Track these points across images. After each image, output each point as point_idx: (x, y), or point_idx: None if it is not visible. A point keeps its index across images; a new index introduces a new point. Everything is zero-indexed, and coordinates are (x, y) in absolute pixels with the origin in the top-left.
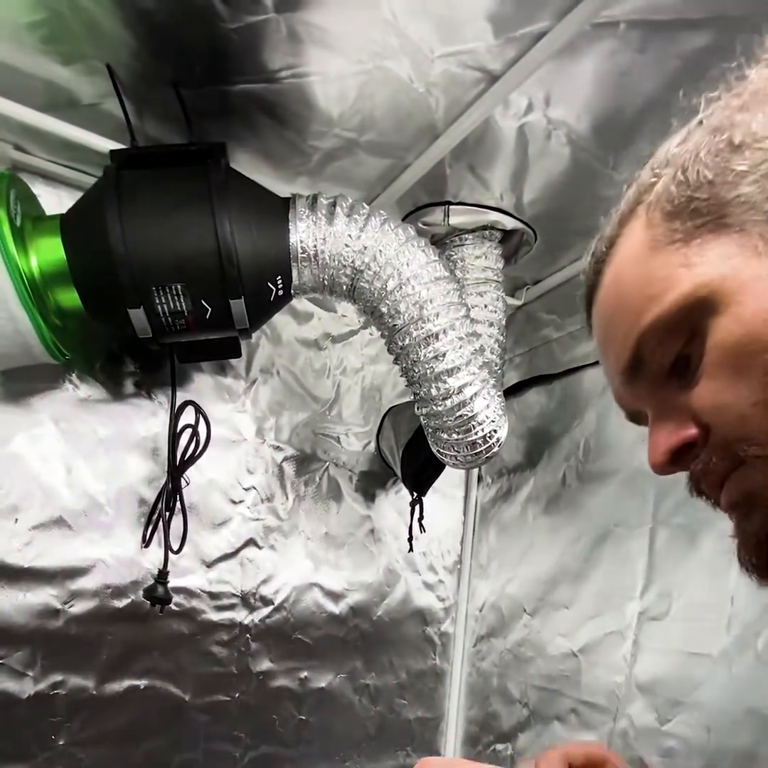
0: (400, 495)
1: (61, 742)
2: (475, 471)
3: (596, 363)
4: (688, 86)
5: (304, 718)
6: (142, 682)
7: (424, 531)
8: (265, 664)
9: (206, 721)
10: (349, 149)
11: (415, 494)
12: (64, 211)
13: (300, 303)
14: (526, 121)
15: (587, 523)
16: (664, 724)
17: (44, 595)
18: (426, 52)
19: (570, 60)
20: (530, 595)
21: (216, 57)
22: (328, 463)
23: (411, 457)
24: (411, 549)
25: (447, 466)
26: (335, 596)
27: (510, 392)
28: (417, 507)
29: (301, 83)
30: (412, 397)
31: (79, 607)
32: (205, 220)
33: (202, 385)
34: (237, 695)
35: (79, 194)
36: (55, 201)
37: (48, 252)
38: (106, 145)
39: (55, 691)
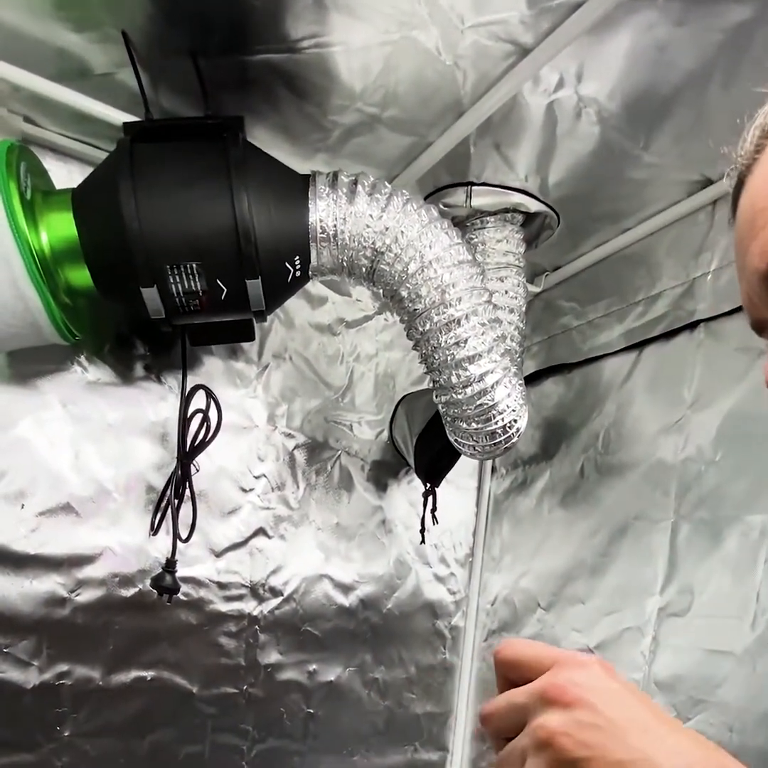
0: (413, 485)
1: (66, 733)
2: (489, 462)
3: (617, 352)
4: (728, 62)
5: (312, 711)
6: (149, 673)
7: (437, 522)
8: (274, 657)
9: (213, 714)
10: (370, 125)
11: (428, 485)
12: (74, 186)
13: (314, 286)
14: (555, 98)
15: (606, 516)
16: (684, 722)
17: (50, 583)
18: (456, 23)
19: (605, 33)
20: (545, 589)
21: (236, 25)
22: (340, 452)
23: (425, 447)
24: (423, 541)
25: (461, 456)
26: (345, 588)
27: (527, 381)
28: (430, 498)
29: (324, 54)
30: (428, 385)
31: (85, 596)
32: (222, 197)
33: (213, 370)
34: (245, 687)
35: (89, 169)
36: (66, 176)
37: (59, 228)
38: (119, 117)
39: (61, 682)
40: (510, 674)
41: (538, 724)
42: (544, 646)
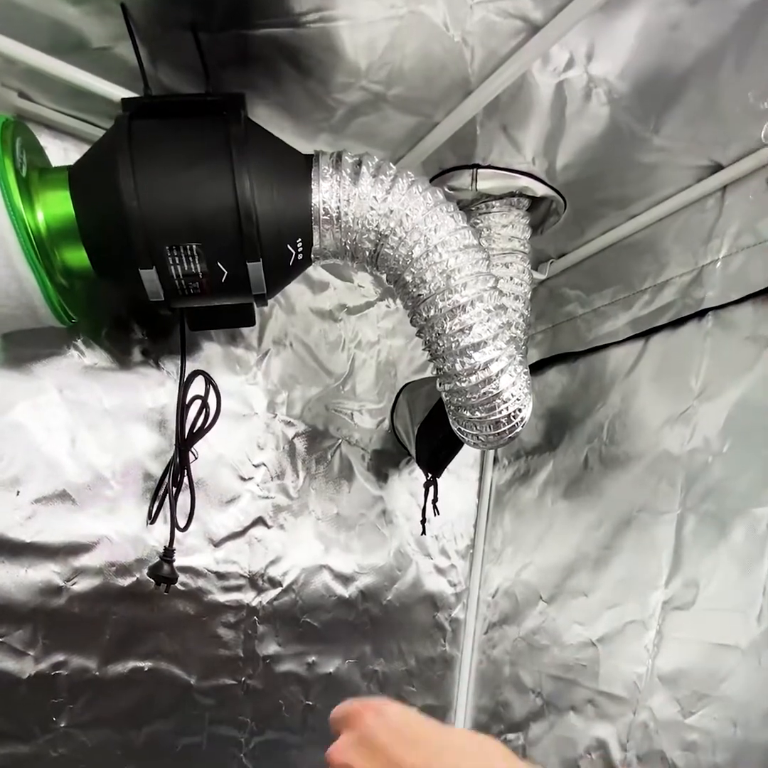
0: (414, 475)
1: (62, 724)
2: (491, 452)
3: (623, 341)
4: (742, 43)
5: (310, 703)
6: (146, 664)
7: (438, 513)
8: (272, 648)
9: (211, 705)
10: (375, 104)
11: (430, 475)
12: (70, 164)
13: (315, 271)
14: (565, 77)
15: (609, 508)
16: (688, 717)
17: (46, 572)
18: None
19: (617, 11)
20: (547, 581)
21: None
22: (340, 441)
23: (426, 437)
24: (424, 532)
25: (463, 446)
26: (345, 579)
27: (531, 371)
28: (431, 488)
29: (329, 28)
30: (430, 373)
31: (82, 585)
32: (223, 176)
33: (212, 355)
34: (243, 679)
35: (86, 147)
36: (61, 154)
37: (55, 206)
38: (116, 92)
39: (57, 672)
40: (333, 733)
41: None
42: (343, 707)
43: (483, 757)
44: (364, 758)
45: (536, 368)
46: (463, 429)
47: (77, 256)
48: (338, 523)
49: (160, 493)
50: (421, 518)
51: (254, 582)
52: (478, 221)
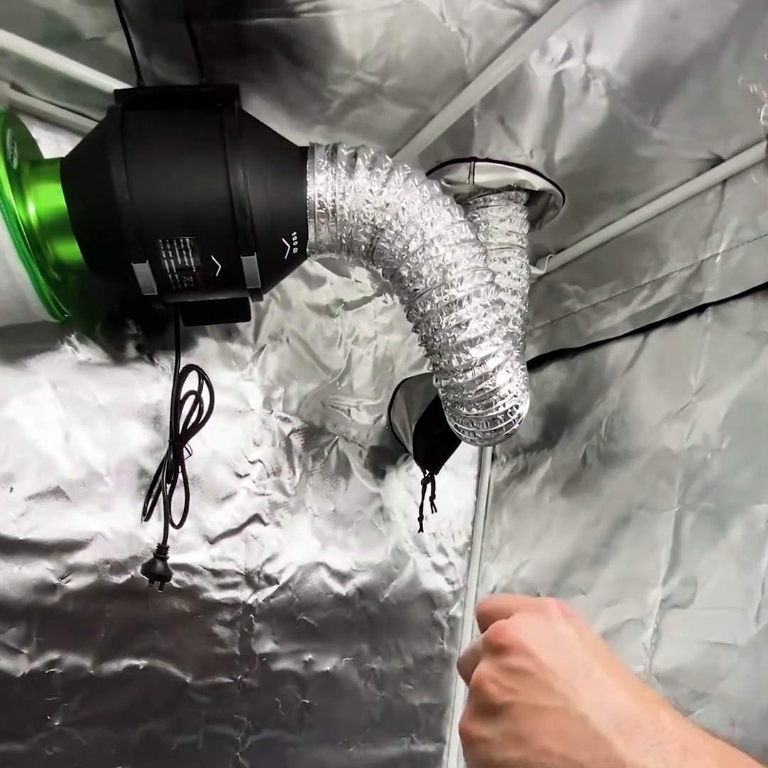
0: (411, 472)
1: (57, 723)
2: (489, 449)
3: (621, 337)
4: (743, 33)
5: (307, 701)
6: (141, 662)
7: (436, 511)
8: (269, 646)
9: (207, 703)
10: (371, 95)
11: (427, 472)
12: (62, 156)
13: (312, 266)
14: (563, 68)
15: (608, 505)
16: (686, 716)
17: (40, 569)
18: None
19: (616, 0)
20: (545, 579)
21: None
22: (337, 437)
23: (424, 433)
24: (421, 529)
25: (461, 443)
26: (342, 577)
27: (529, 367)
28: (428, 485)
29: (324, 18)
30: (427, 370)
31: (76, 583)
32: (216, 168)
33: (207, 351)
34: (239, 677)
35: (78, 140)
36: (54, 146)
37: (47, 199)
38: (109, 84)
39: (51, 670)
40: (484, 624)
41: (476, 669)
42: (516, 597)
43: None
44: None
45: (534, 364)
46: (459, 426)
47: (69, 250)
48: (335, 520)
49: (155, 490)
50: (418, 515)
51: (250, 579)
52: (476, 215)
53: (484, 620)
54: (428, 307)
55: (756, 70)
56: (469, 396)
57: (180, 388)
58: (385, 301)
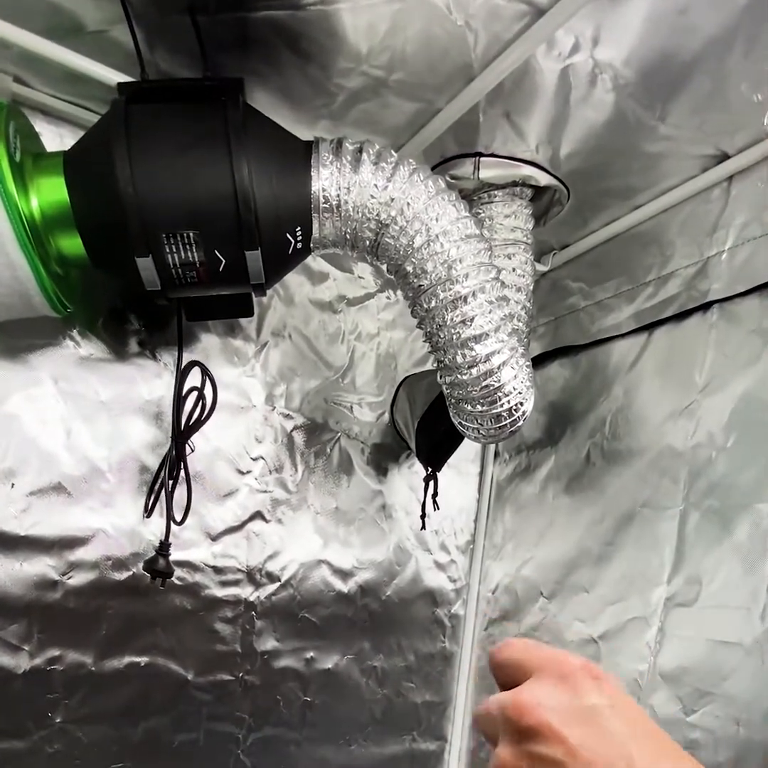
0: (414, 470)
1: (58, 720)
2: (492, 446)
3: (626, 335)
4: (751, 28)
5: (309, 699)
6: (142, 659)
7: (438, 508)
8: (270, 643)
9: (208, 701)
10: (376, 90)
11: (430, 469)
12: (65, 150)
13: (315, 262)
14: (570, 62)
15: (612, 503)
16: (690, 715)
17: (41, 566)
18: None
19: None
20: (548, 577)
21: None
22: (339, 434)
23: (426, 431)
24: (423, 527)
25: (463, 441)
26: (344, 574)
27: (533, 364)
28: (431, 483)
29: (329, 11)
30: (431, 366)
31: (77, 579)
32: (221, 162)
33: (209, 347)
34: (241, 675)
35: (82, 133)
36: (57, 140)
37: (50, 192)
38: (113, 77)
39: (52, 667)
40: (500, 676)
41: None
42: (538, 647)
43: None
44: (581, 727)
45: (538, 361)
46: (463, 423)
47: (72, 244)
48: (337, 517)
49: (156, 486)
50: (420, 513)
51: (252, 577)
52: (480, 211)
53: (500, 673)
54: (433, 303)
55: (762, 67)
56: (474, 393)
57: (182, 384)
58: (388, 298)
